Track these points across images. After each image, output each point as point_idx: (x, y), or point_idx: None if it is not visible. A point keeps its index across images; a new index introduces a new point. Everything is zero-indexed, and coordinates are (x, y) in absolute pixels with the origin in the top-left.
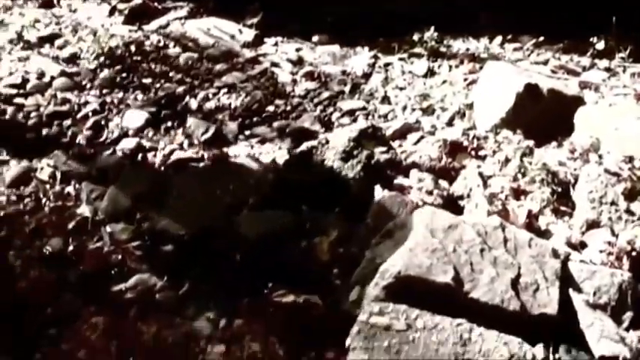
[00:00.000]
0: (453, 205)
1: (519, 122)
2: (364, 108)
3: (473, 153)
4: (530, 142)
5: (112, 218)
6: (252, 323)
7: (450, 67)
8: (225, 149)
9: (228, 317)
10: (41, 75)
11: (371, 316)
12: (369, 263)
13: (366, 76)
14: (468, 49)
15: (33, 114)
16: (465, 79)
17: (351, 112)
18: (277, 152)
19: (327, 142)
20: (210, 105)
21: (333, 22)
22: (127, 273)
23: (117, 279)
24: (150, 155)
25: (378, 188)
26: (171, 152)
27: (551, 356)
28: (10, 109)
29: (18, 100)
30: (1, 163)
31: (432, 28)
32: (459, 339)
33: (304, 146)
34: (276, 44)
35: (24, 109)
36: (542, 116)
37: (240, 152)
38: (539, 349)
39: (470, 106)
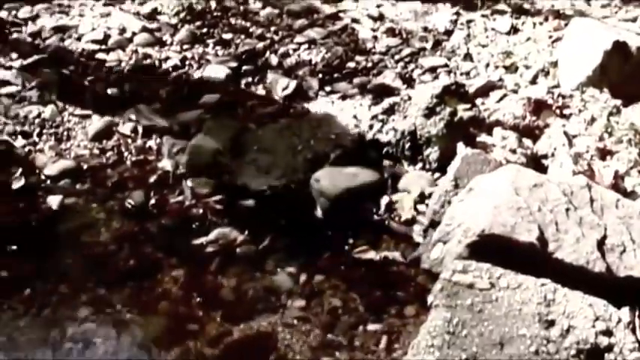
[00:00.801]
0: (536, 164)
1: (606, 81)
2: (446, 65)
3: (557, 111)
4: (618, 102)
5: (193, 172)
6: (332, 279)
7: (534, 24)
8: (305, 105)
9: (309, 272)
10: (122, 31)
11: (454, 274)
12: (452, 221)
13: (448, 33)
14: (552, 6)
15: (115, 69)
16: (550, 37)
17: (432, 69)
18: (358, 108)
19: (410, 98)
20: (290, 61)
21: None
22: (207, 227)
23: (198, 233)
24: (231, 109)
25: (460, 145)
26: (253, 107)
27: (637, 320)
28: (92, 64)
29: (100, 55)
30: (84, 118)
31: None
32: (543, 299)
33: (386, 102)
34: (356, 0)
35: (106, 65)
36: (631, 75)
37: (320, 108)
38: (624, 312)
39: (554, 64)
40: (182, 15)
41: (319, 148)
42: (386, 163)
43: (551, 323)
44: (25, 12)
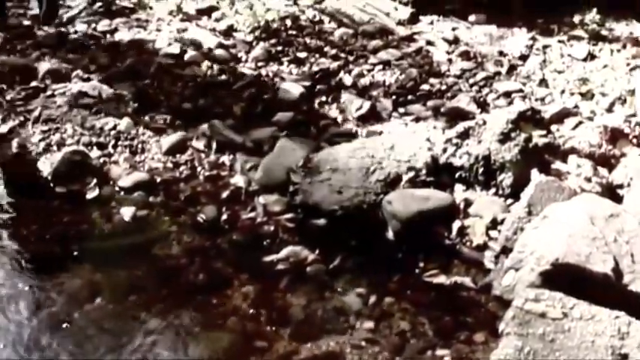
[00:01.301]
0: (612, 193)
1: None
2: (521, 90)
3: (634, 141)
4: None
5: (265, 189)
6: (401, 301)
7: (612, 51)
8: (379, 126)
9: (378, 294)
10: (199, 46)
11: (526, 302)
12: (524, 248)
13: (523, 58)
14: (631, 33)
15: (190, 84)
16: (628, 64)
17: (507, 94)
18: (432, 131)
19: (484, 123)
20: (364, 81)
21: (491, 1)
22: (278, 244)
23: (268, 250)
24: (304, 128)
25: (535, 172)
26: (326, 127)
27: None
28: (168, 79)
29: (176, 70)
30: (158, 131)
31: (594, 10)
32: (617, 332)
33: (460, 126)
34: (431, 23)
35: (182, 79)
36: None
37: (394, 129)
38: None
39: (632, 92)
40: (257, 32)
41: (392, 169)
42: (458, 187)
43: (624, 357)
44: (104, 25)
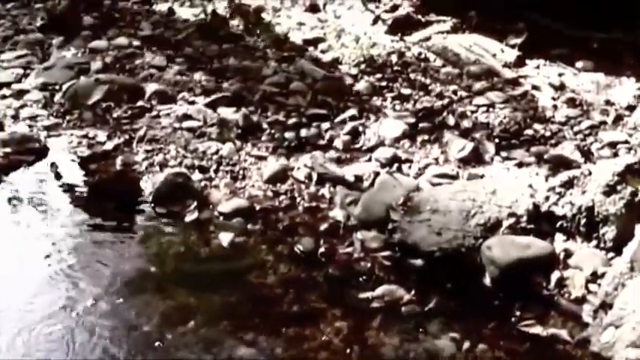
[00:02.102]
0: None
1: None
2: (627, 142)
3: None
4: None
5: (364, 225)
6: (495, 349)
7: None
8: (481, 168)
9: (472, 340)
10: (303, 76)
11: None
12: (626, 305)
13: (631, 108)
14: None
15: (293, 114)
16: None
17: (612, 145)
18: (534, 178)
19: (590, 173)
20: (467, 122)
21: (599, 48)
22: (374, 281)
23: (364, 286)
24: (405, 166)
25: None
26: (427, 166)
27: None
28: (271, 107)
29: (280, 98)
30: (260, 159)
31: None
32: None
33: (564, 175)
34: (537, 67)
35: (285, 108)
36: None
37: (495, 173)
38: None
39: None
40: (362, 66)
41: (493, 214)
42: (559, 236)
43: None
44: (211, 50)
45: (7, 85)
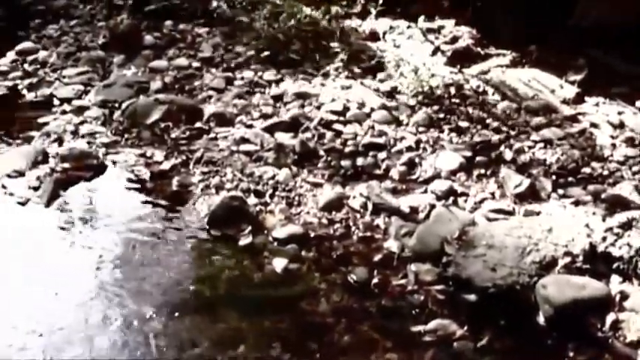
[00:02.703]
0: None
1: None
2: None
3: None
4: None
5: (418, 257)
6: None
7: None
8: (536, 205)
9: None
10: (361, 105)
11: None
12: None
13: None
14: None
15: (350, 142)
16: None
17: None
18: (591, 217)
19: None
20: (524, 158)
21: None
22: (427, 315)
23: (416, 319)
24: (461, 200)
25: None
26: (483, 200)
27: None
28: (328, 134)
29: (337, 126)
30: (316, 186)
31: None
32: None
33: (623, 216)
34: (597, 104)
35: (342, 136)
36: None
37: (552, 211)
38: None
39: None
40: (420, 97)
41: (548, 252)
42: (615, 278)
43: None
44: (270, 75)
45: (68, 100)
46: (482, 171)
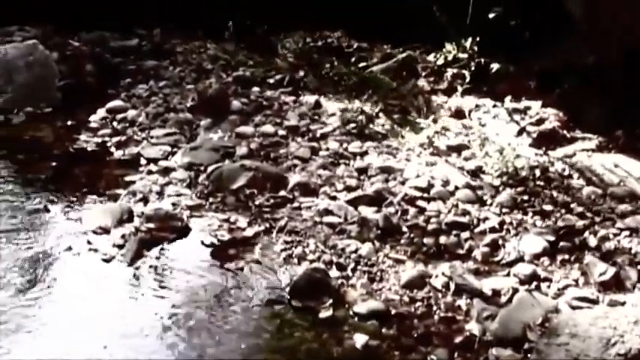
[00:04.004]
0: None
1: None
2: None
3: None
4: None
5: (500, 342)
6: None
7: None
8: (622, 295)
9: None
10: (446, 183)
11: None
12: None
13: None
14: None
15: (433, 219)
16: None
17: None
18: None
19: None
20: (609, 245)
21: None
22: None
23: None
24: (544, 285)
25: None
26: (566, 287)
27: None
28: (412, 211)
29: (421, 203)
30: (398, 262)
31: None
32: None
33: None
34: None
35: (425, 213)
36: None
37: (638, 302)
38: None
39: None
40: (505, 178)
41: (634, 345)
42: None
43: None
44: (355, 147)
45: (155, 161)
46: (566, 257)
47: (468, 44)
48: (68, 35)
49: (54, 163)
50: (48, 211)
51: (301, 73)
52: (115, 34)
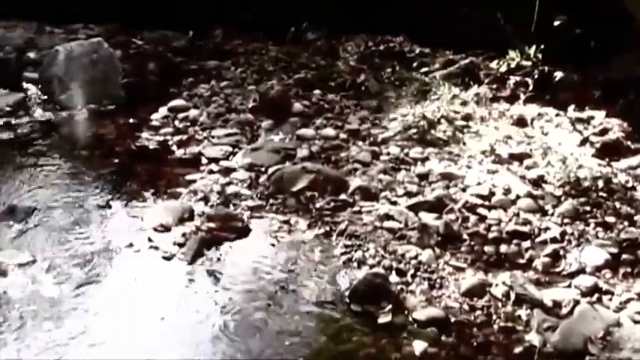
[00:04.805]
0: None
1: None
2: None
3: None
4: None
5: (560, 354)
6: None
7: None
8: None
9: None
10: (507, 191)
11: None
12: None
13: None
14: None
15: (494, 228)
16: None
17: None
18: None
19: None
20: None
21: None
22: None
23: None
24: (605, 298)
25: None
26: (628, 301)
27: None
28: (473, 218)
29: (481, 210)
30: (458, 270)
31: None
32: None
33: None
34: None
35: (486, 221)
36: None
37: None
38: None
39: None
40: (567, 188)
41: None
42: None
43: None
44: (416, 152)
45: (216, 160)
46: (629, 269)
47: (532, 52)
48: (131, 34)
49: (116, 160)
50: (110, 207)
51: (362, 77)
52: (177, 34)
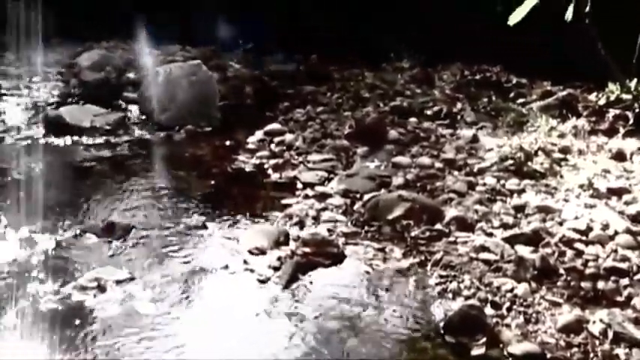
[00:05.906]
0: None
1: None
2: None
3: None
4: None
5: None
6: None
7: None
8: None
9: None
10: (605, 226)
11: None
12: None
13: None
14: None
15: (591, 263)
16: None
17: None
18: None
19: None
20: None
21: None
22: None
23: None
24: None
25: None
26: None
27: None
28: (569, 253)
29: (578, 245)
30: (554, 305)
31: None
32: None
33: None
34: None
35: (583, 256)
36: None
37: None
38: None
39: None
40: None
41: None
42: None
43: None
44: (512, 184)
45: (311, 185)
46: None
47: (632, 85)
48: (227, 57)
49: (213, 182)
50: (206, 228)
51: (459, 106)
52: (273, 58)
